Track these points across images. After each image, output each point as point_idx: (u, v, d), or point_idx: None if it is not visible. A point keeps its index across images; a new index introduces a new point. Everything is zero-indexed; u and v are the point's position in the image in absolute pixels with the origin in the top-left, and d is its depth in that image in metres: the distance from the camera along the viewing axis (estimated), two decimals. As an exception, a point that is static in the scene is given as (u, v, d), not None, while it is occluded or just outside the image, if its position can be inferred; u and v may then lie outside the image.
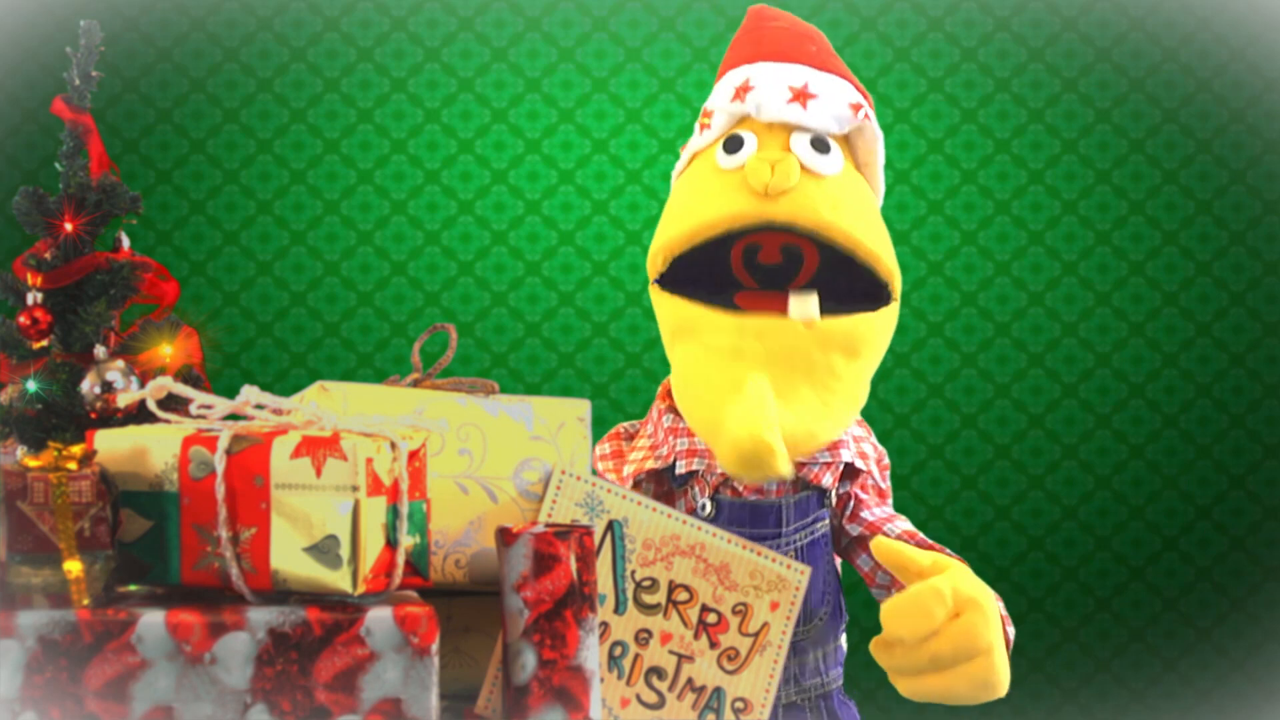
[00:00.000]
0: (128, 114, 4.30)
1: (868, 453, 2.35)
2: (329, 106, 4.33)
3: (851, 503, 2.35)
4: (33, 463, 1.87)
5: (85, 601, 1.85)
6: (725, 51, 2.43)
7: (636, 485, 2.32)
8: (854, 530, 2.35)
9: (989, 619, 2.09)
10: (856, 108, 2.31)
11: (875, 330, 2.30)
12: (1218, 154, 4.38)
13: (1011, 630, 2.24)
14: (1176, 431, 4.40)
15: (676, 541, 2.15)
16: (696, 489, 2.28)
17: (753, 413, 2.15)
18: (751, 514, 2.28)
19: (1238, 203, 4.39)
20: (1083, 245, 4.39)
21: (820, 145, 2.27)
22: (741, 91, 2.29)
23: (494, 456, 2.11)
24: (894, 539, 2.22)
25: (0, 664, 1.82)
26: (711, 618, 2.15)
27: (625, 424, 2.39)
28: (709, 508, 2.26)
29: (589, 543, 1.98)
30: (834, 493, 2.32)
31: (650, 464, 2.30)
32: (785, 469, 2.17)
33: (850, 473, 2.33)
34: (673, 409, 2.33)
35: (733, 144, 2.28)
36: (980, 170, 4.38)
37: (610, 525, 2.13)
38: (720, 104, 2.31)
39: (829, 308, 2.27)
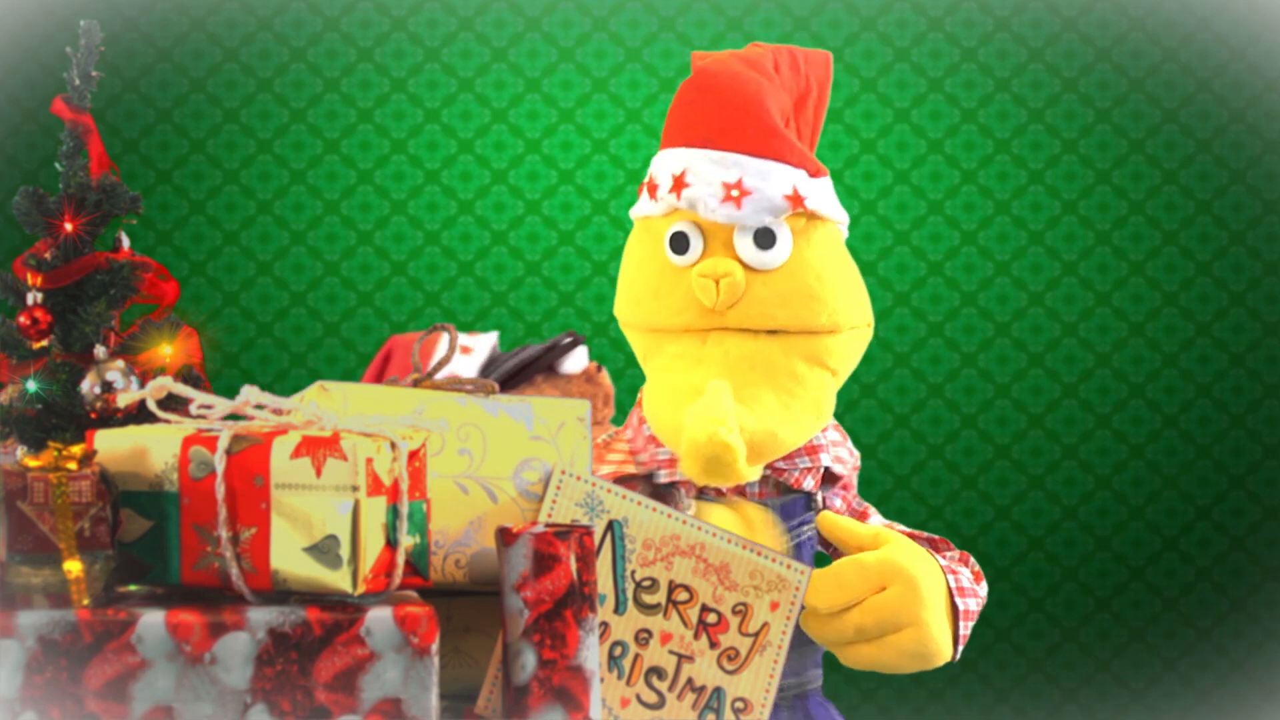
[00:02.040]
0: (128, 114, 4.30)
1: (844, 458, 2.36)
2: (329, 106, 4.33)
3: (834, 508, 2.36)
4: (33, 463, 1.87)
5: (85, 601, 1.85)
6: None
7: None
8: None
9: (917, 591, 2.16)
10: (795, 199, 2.29)
11: (841, 345, 2.31)
12: (1218, 154, 4.38)
13: (972, 602, 2.26)
14: (1176, 431, 4.40)
15: (676, 541, 2.15)
16: (682, 490, 2.28)
17: (710, 414, 2.17)
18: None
19: (1238, 203, 4.39)
20: (1083, 245, 4.39)
21: (764, 239, 2.26)
22: (678, 185, 2.29)
23: (494, 456, 2.11)
24: (838, 514, 2.25)
25: (0, 664, 1.82)
26: (711, 618, 2.15)
27: (602, 436, 2.40)
28: (694, 508, 2.26)
29: (589, 543, 1.98)
30: (819, 497, 2.33)
31: (629, 469, 2.30)
32: (745, 471, 2.19)
33: (830, 477, 2.35)
34: None
35: (679, 243, 2.29)
36: (980, 170, 4.38)
37: (610, 525, 2.14)
38: (663, 186, 2.31)
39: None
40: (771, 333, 2.26)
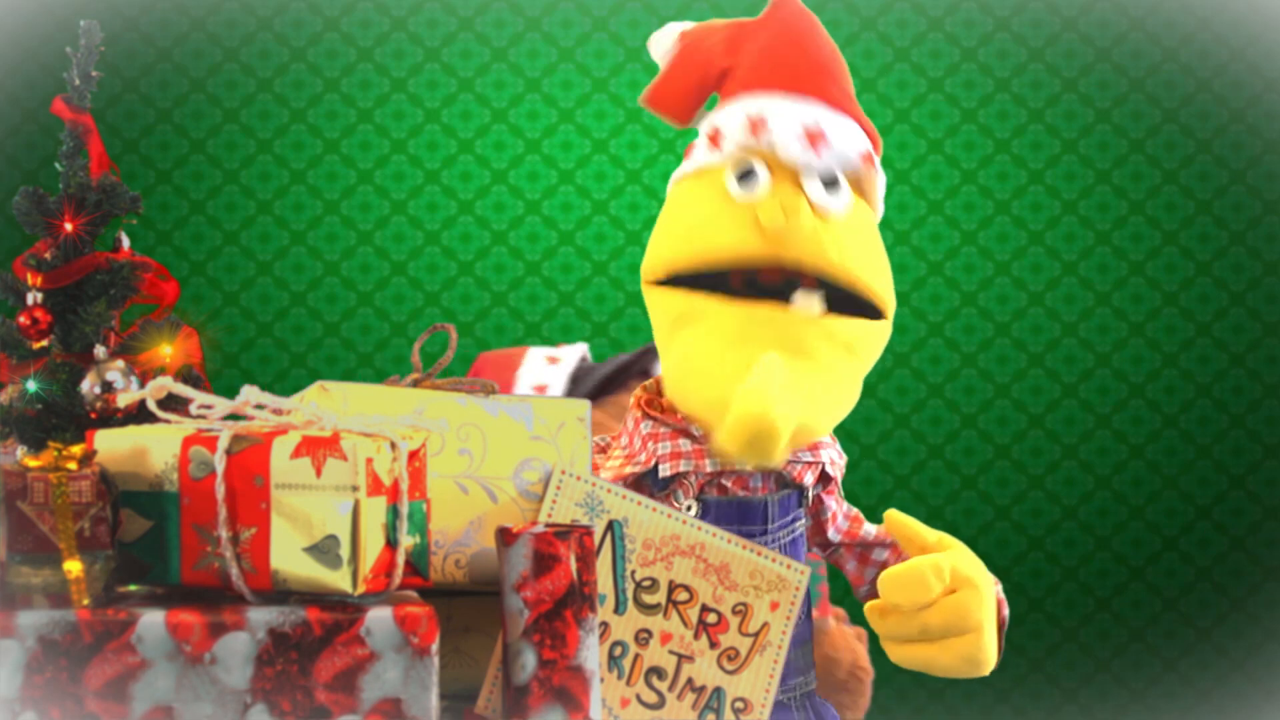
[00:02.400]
0: (128, 114, 4.30)
1: (836, 459, 2.37)
2: (329, 106, 4.33)
3: (827, 510, 2.36)
4: (33, 463, 1.87)
5: (85, 601, 1.85)
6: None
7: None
8: (835, 537, 2.36)
9: (982, 599, 2.19)
10: (867, 158, 2.34)
11: (872, 337, 2.32)
12: (1218, 154, 4.38)
13: (1006, 613, 2.32)
14: (1176, 431, 4.40)
15: (676, 541, 2.15)
16: (679, 491, 2.27)
17: (764, 391, 2.16)
18: (739, 511, 2.28)
19: (1238, 203, 4.39)
20: (1083, 245, 4.39)
21: (831, 183, 2.29)
22: (756, 126, 2.30)
23: (494, 456, 2.11)
24: (899, 518, 2.26)
25: (0, 664, 1.82)
26: (711, 618, 2.15)
27: (595, 437, 2.40)
28: (694, 509, 2.26)
29: (589, 543, 1.98)
30: (810, 493, 2.33)
31: (629, 469, 2.29)
32: (781, 455, 2.19)
33: (823, 477, 2.34)
34: (650, 416, 2.32)
35: (746, 175, 2.29)
36: (980, 170, 4.38)
37: (610, 525, 2.13)
38: (733, 133, 2.31)
39: (835, 310, 2.28)
40: (823, 289, 2.25)
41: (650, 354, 3.55)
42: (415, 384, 2.15)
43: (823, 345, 2.26)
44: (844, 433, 4.37)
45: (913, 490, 4.40)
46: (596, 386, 3.50)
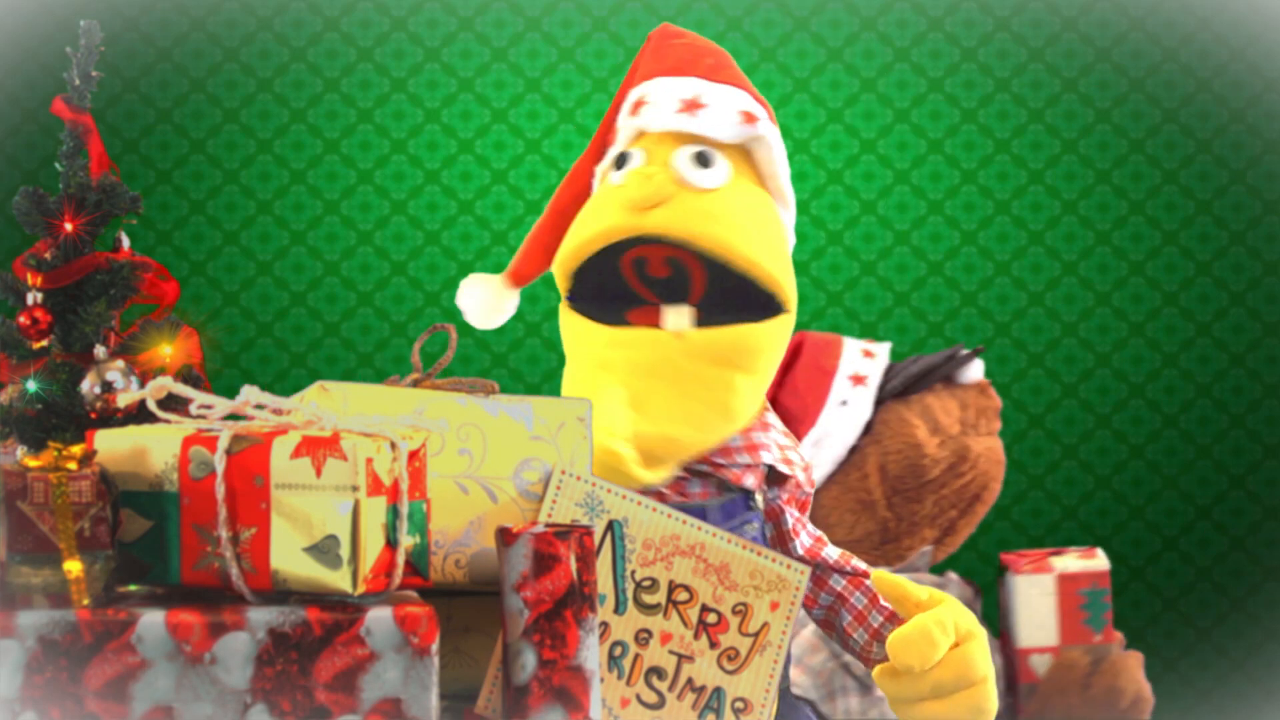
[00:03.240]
0: (128, 114, 4.30)
1: (793, 460, 2.36)
2: (329, 106, 4.33)
3: (788, 520, 2.36)
4: (33, 463, 1.87)
5: (85, 601, 1.85)
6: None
7: None
8: (798, 550, 2.37)
9: (984, 649, 2.21)
10: (749, 116, 2.32)
11: (758, 340, 2.31)
12: (1218, 154, 4.38)
13: None
14: (1176, 431, 4.40)
15: (676, 541, 2.15)
16: None
17: (603, 425, 2.19)
18: None
19: (1238, 203, 4.39)
20: (1083, 245, 4.39)
21: (703, 159, 2.29)
22: (636, 107, 2.33)
23: (494, 456, 2.11)
24: (889, 573, 2.27)
25: (0, 664, 1.82)
26: (711, 618, 2.15)
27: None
28: None
29: (589, 543, 1.98)
30: (760, 496, 2.33)
31: None
32: (642, 474, 2.20)
33: (777, 478, 2.34)
34: None
35: (621, 160, 2.32)
36: (980, 170, 4.38)
37: (610, 525, 2.14)
38: (620, 121, 2.35)
39: (714, 320, 2.28)
40: (697, 317, 2.26)
41: (956, 360, 3.59)
42: (415, 384, 2.15)
43: (686, 363, 2.27)
44: (844, 433, 4.36)
45: (913, 490, 4.40)
46: (904, 384, 3.54)
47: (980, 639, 2.21)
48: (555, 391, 4.34)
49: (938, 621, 2.17)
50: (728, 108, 2.32)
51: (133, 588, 1.97)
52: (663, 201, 2.26)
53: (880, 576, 2.23)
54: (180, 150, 4.32)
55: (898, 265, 4.35)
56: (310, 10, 4.32)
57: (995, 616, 3.57)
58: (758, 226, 2.30)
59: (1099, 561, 3.43)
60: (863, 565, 2.36)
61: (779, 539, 2.35)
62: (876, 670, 2.22)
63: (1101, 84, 4.38)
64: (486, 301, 2.45)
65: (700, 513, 2.28)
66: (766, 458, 2.32)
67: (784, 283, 2.31)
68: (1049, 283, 4.39)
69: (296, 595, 1.88)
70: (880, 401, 3.55)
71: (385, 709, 1.86)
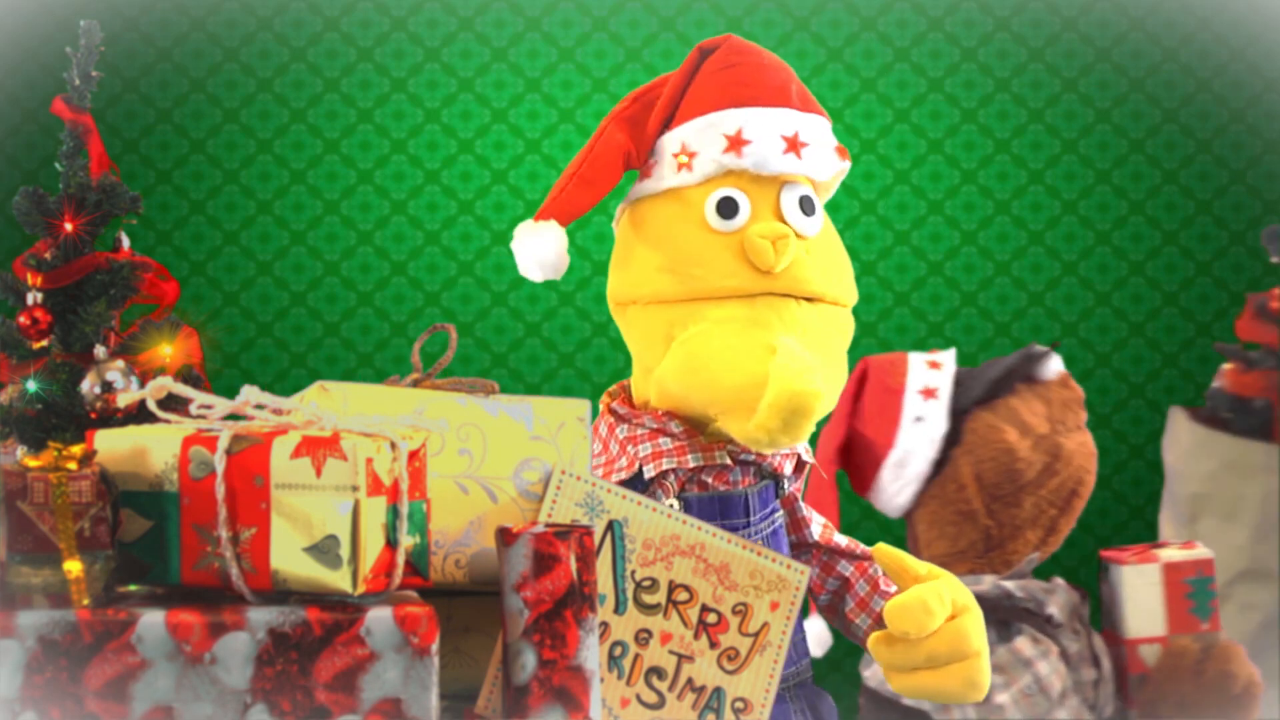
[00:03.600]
0: (128, 114, 4.30)
1: (807, 448, 2.39)
2: (329, 106, 4.33)
3: (802, 507, 2.38)
4: (33, 463, 1.87)
5: (85, 601, 1.85)
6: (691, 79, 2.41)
7: None
8: (814, 537, 2.38)
9: (980, 624, 2.24)
10: (843, 152, 2.38)
11: (849, 323, 2.38)
12: (1218, 154, 4.39)
13: None
14: (1176, 431, 4.40)
15: (676, 541, 2.15)
16: (660, 491, 2.28)
17: (800, 364, 2.19)
18: (721, 506, 2.29)
19: (1238, 203, 4.39)
20: (1083, 245, 4.39)
21: (807, 206, 2.31)
22: (736, 145, 2.30)
23: (494, 456, 2.11)
24: (888, 547, 2.28)
25: (0, 664, 1.82)
26: (711, 618, 2.15)
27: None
28: (677, 506, 2.27)
29: (589, 543, 1.98)
30: (787, 482, 2.35)
31: (614, 478, 2.29)
32: (809, 431, 2.22)
33: (798, 466, 2.37)
34: (625, 419, 2.32)
35: (727, 207, 2.30)
36: (980, 170, 4.38)
37: (610, 525, 2.14)
38: (709, 151, 2.31)
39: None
40: (809, 300, 2.29)
41: (1032, 358, 3.58)
42: (415, 384, 2.15)
43: (822, 327, 2.29)
44: (844, 433, 4.36)
45: (913, 490, 4.39)
46: (985, 390, 3.54)
47: (975, 614, 2.23)
48: (555, 392, 4.34)
49: (935, 593, 2.20)
50: (826, 145, 2.35)
51: (133, 588, 1.97)
52: (785, 265, 2.29)
53: (882, 549, 2.25)
54: (180, 150, 4.32)
55: (898, 265, 4.35)
56: (310, 10, 4.32)
57: (1099, 615, 3.58)
58: (843, 263, 2.38)
59: (1201, 551, 3.45)
60: (868, 549, 2.37)
61: (794, 525, 2.36)
62: (872, 638, 2.24)
63: (1101, 84, 4.38)
64: (557, 252, 2.43)
65: (743, 501, 2.29)
66: (800, 446, 2.34)
67: (854, 300, 2.40)
68: (1049, 282, 4.39)
69: (296, 595, 1.88)
70: (961, 410, 3.54)
71: (385, 709, 1.86)
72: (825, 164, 2.34)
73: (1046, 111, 4.38)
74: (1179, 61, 4.37)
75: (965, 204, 4.38)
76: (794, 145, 2.32)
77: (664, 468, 2.26)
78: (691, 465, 2.27)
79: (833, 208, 2.47)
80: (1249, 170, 4.38)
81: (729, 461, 2.28)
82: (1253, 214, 4.39)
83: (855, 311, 2.41)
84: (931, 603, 2.18)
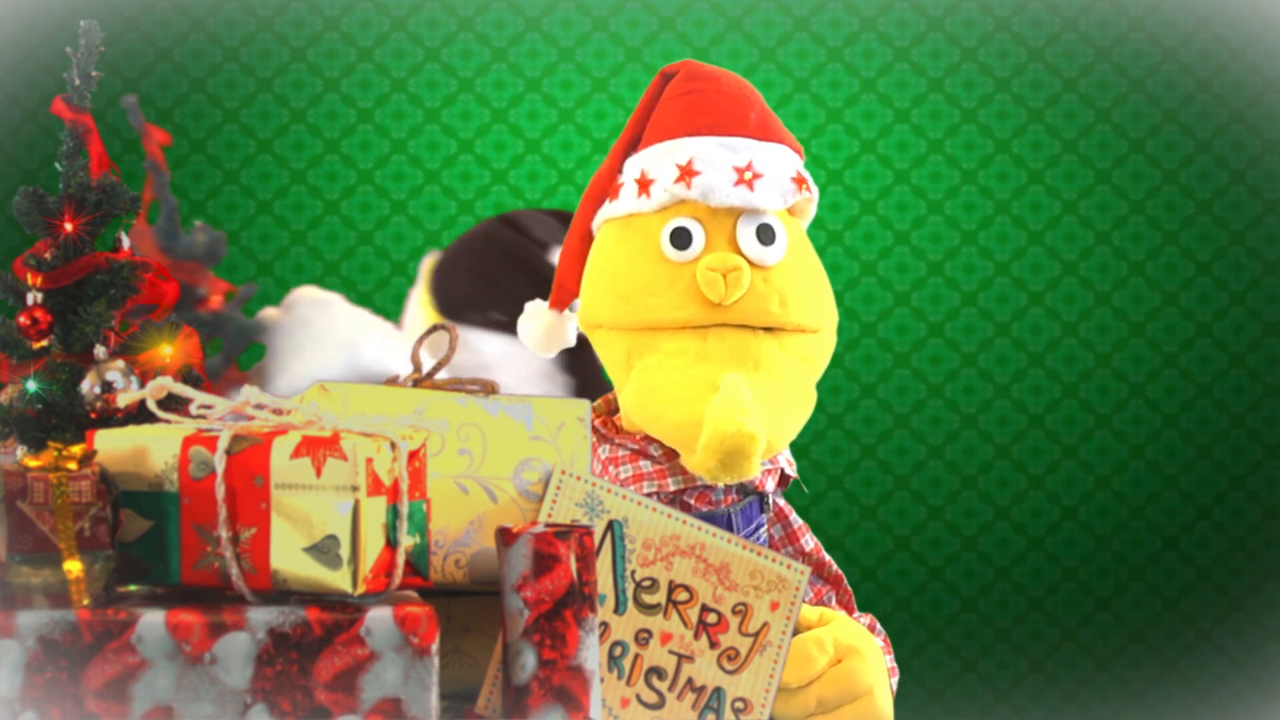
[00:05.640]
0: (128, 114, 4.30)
1: (792, 460, 2.38)
2: (329, 106, 4.33)
3: (794, 521, 2.38)
4: (33, 463, 1.87)
5: (85, 601, 1.85)
6: (652, 104, 2.38)
7: None
8: (809, 546, 2.39)
9: (868, 662, 2.22)
10: (799, 182, 2.32)
11: (820, 346, 2.34)
12: (1218, 154, 4.39)
13: (895, 676, 2.35)
14: (1176, 431, 4.40)
15: (676, 541, 2.15)
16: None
17: (734, 406, 2.18)
18: None
19: (1238, 203, 4.39)
20: (1083, 245, 4.39)
21: (765, 235, 2.28)
22: (686, 175, 2.29)
23: (494, 456, 2.11)
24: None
25: (0, 664, 1.82)
26: (711, 618, 2.15)
27: None
28: None
29: (589, 543, 1.98)
30: (771, 499, 2.34)
31: None
32: (755, 469, 2.20)
33: (781, 479, 2.36)
34: (606, 439, 2.33)
35: (680, 238, 2.28)
36: (980, 170, 4.38)
37: (610, 525, 2.14)
38: (663, 180, 2.30)
39: None
40: (768, 330, 2.27)
41: None
42: (415, 384, 2.15)
43: (778, 358, 2.27)
44: (844, 432, 4.38)
45: (912, 490, 4.40)
46: None
47: (863, 654, 2.22)
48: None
49: (815, 640, 2.20)
50: (781, 175, 2.30)
51: (133, 588, 1.97)
52: (739, 295, 2.27)
53: None
54: (180, 150, 4.32)
55: (898, 265, 4.35)
56: (310, 10, 4.32)
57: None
58: (815, 284, 2.33)
59: None
60: (837, 573, 2.39)
61: (788, 538, 2.36)
62: None
63: (1101, 84, 4.38)
64: (546, 330, 2.44)
65: (725, 519, 2.29)
66: (781, 460, 2.34)
67: (832, 321, 2.36)
68: (1049, 283, 4.39)
69: (296, 595, 1.88)
70: None
71: (385, 709, 1.86)
72: (780, 195, 2.30)
73: (1046, 111, 4.38)
74: (1179, 61, 4.37)
75: (965, 204, 4.38)
76: (745, 176, 2.29)
77: (645, 490, 2.27)
78: (672, 489, 2.28)
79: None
80: (1249, 170, 4.38)
81: (719, 485, 2.28)
82: (1253, 214, 4.39)
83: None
84: (811, 650, 2.19)
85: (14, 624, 1.82)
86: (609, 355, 2.32)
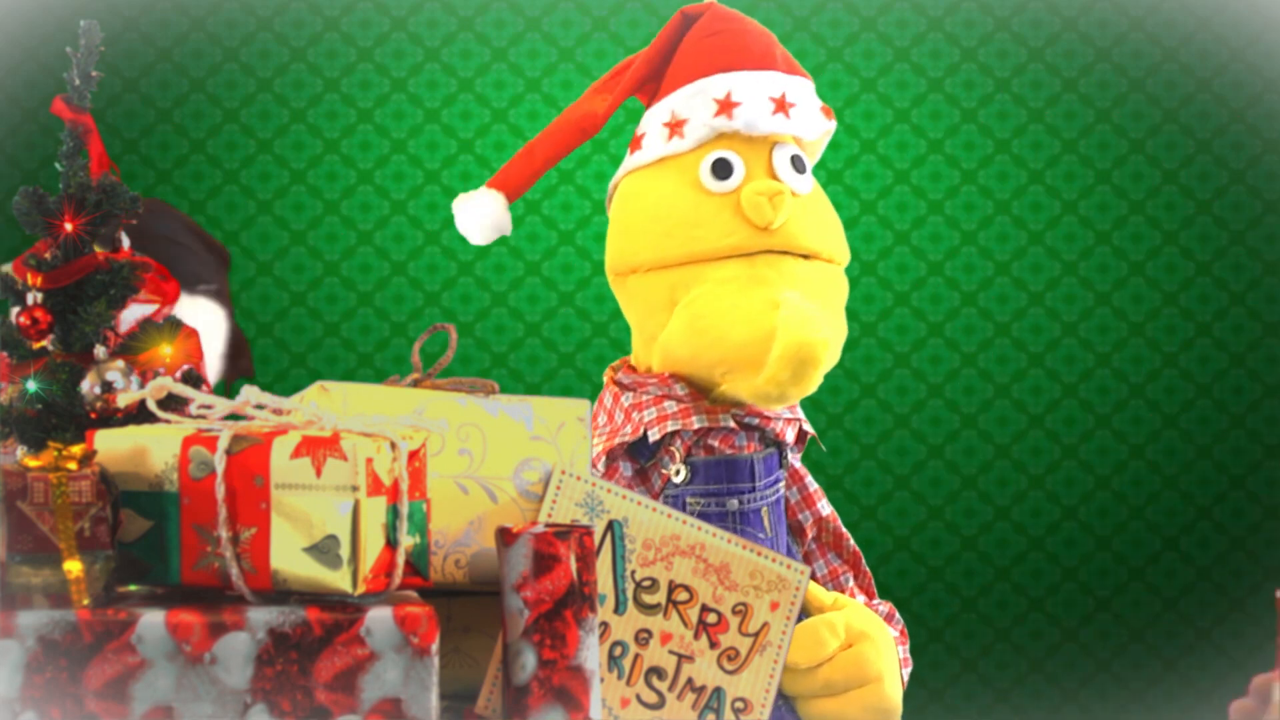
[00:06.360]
0: (128, 114, 4.30)
1: (806, 419, 2.42)
2: (329, 106, 4.33)
3: (810, 484, 2.41)
4: (33, 463, 1.87)
5: (85, 601, 1.85)
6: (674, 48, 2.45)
7: (611, 465, 2.35)
8: (826, 510, 2.42)
9: (880, 649, 2.27)
10: (827, 111, 2.44)
11: (843, 281, 2.42)
12: (1218, 154, 4.38)
13: (908, 667, 2.39)
14: (1176, 431, 4.40)
15: (676, 541, 2.15)
16: (667, 457, 2.31)
17: (805, 316, 2.23)
18: (727, 470, 2.32)
19: (1238, 203, 4.39)
20: (1083, 245, 4.39)
21: (798, 164, 2.36)
22: (726, 108, 2.34)
23: (494, 456, 2.11)
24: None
25: (0, 664, 1.82)
26: (711, 618, 2.15)
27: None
28: (684, 472, 2.30)
29: (589, 543, 1.98)
30: (789, 453, 2.37)
31: (617, 440, 2.32)
32: (819, 380, 2.25)
33: (800, 436, 2.40)
34: (630, 388, 2.36)
35: (721, 168, 2.34)
36: (980, 170, 4.38)
37: (610, 525, 2.14)
38: (700, 116, 2.36)
39: None
40: (805, 257, 2.33)
41: None
42: (415, 384, 2.15)
43: (820, 283, 2.32)
44: (844, 433, 4.37)
45: (913, 490, 4.40)
46: None
47: (876, 640, 2.26)
48: (555, 392, 4.34)
49: (827, 622, 2.25)
50: (812, 105, 2.42)
51: (133, 588, 1.97)
52: (782, 221, 2.33)
53: None
54: (180, 150, 4.32)
55: (898, 265, 4.35)
56: (310, 10, 4.32)
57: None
58: (834, 221, 2.42)
59: None
60: (855, 550, 2.42)
61: (804, 502, 2.40)
62: None
63: (1101, 84, 4.38)
64: (491, 218, 2.49)
65: (749, 465, 2.32)
66: (800, 414, 2.37)
67: (846, 258, 2.44)
68: (1049, 283, 4.39)
69: (296, 595, 1.88)
70: None
71: (385, 709, 1.86)
72: (813, 123, 2.39)
73: (1046, 111, 4.38)
74: (1179, 61, 4.37)
75: (965, 204, 4.38)
76: (782, 106, 2.36)
77: (669, 429, 2.30)
78: (696, 427, 2.30)
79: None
80: (1249, 170, 4.38)
81: (733, 425, 2.31)
82: (1253, 214, 4.38)
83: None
84: (822, 632, 2.24)
85: (14, 624, 1.82)
86: (647, 299, 2.36)
